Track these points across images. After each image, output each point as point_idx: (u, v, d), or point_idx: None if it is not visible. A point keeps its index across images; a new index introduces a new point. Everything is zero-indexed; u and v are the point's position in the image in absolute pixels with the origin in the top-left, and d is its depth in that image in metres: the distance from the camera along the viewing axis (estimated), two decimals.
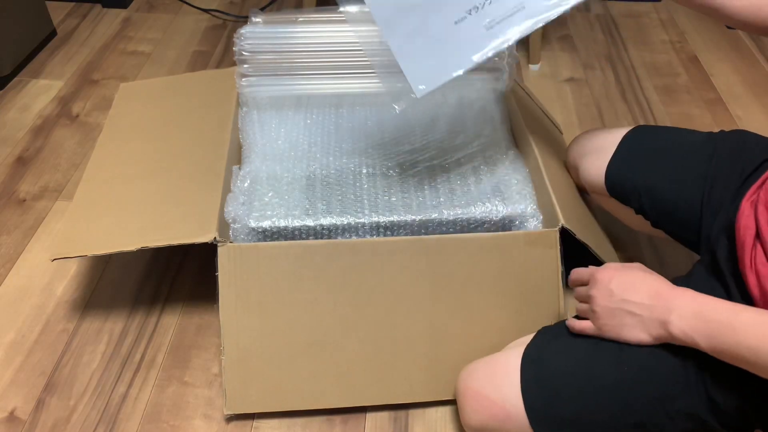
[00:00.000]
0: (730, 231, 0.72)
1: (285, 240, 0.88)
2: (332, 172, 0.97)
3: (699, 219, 0.81)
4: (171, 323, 1.01)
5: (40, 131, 1.38)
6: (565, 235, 0.87)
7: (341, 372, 0.85)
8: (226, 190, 0.92)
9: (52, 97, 1.48)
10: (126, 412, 0.89)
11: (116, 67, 1.60)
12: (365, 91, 1.04)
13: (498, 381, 0.75)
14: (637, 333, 0.67)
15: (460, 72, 0.75)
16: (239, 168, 0.97)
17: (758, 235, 0.66)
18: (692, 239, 0.84)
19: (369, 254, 0.85)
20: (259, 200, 0.91)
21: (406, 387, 0.87)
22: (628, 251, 1.12)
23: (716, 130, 0.89)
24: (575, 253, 0.88)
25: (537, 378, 0.72)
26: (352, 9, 0.84)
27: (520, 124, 1.06)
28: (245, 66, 1.02)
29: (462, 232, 0.91)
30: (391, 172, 0.97)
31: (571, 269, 0.77)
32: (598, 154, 0.94)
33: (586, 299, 0.73)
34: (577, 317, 0.75)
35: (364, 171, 0.97)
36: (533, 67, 1.61)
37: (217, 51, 1.67)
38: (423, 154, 0.99)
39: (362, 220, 0.89)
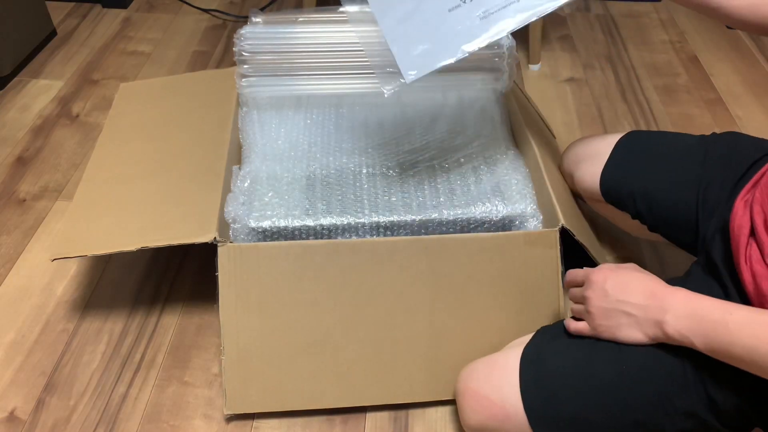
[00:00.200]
0: (725, 230, 0.72)
1: (285, 240, 0.88)
2: (332, 172, 0.97)
3: (695, 221, 0.82)
4: (171, 323, 1.01)
5: (40, 131, 1.38)
6: (563, 237, 0.87)
7: (341, 372, 0.85)
8: (226, 190, 0.92)
9: (52, 97, 1.48)
10: (126, 412, 0.89)
11: (116, 67, 1.60)
12: (365, 91, 1.04)
13: (497, 381, 0.75)
14: (633, 333, 0.67)
15: (452, 60, 0.74)
16: (239, 168, 0.97)
17: (753, 234, 0.67)
18: (689, 241, 0.84)
19: (369, 254, 0.85)
20: (259, 200, 0.91)
21: (406, 387, 0.87)
22: (627, 251, 1.12)
23: (716, 130, 0.89)
24: (572, 255, 0.89)
25: (536, 378, 0.72)
26: (352, 8, 0.84)
27: (520, 124, 1.06)
28: (245, 66, 1.02)
29: (462, 232, 0.91)
30: (391, 172, 0.97)
31: (567, 270, 0.77)
32: (592, 160, 0.95)
33: (581, 300, 0.73)
34: (574, 318, 0.75)
35: (364, 171, 0.97)
36: (533, 67, 1.61)
37: (217, 51, 1.67)
38: (423, 154, 0.99)
39: (362, 220, 0.89)
